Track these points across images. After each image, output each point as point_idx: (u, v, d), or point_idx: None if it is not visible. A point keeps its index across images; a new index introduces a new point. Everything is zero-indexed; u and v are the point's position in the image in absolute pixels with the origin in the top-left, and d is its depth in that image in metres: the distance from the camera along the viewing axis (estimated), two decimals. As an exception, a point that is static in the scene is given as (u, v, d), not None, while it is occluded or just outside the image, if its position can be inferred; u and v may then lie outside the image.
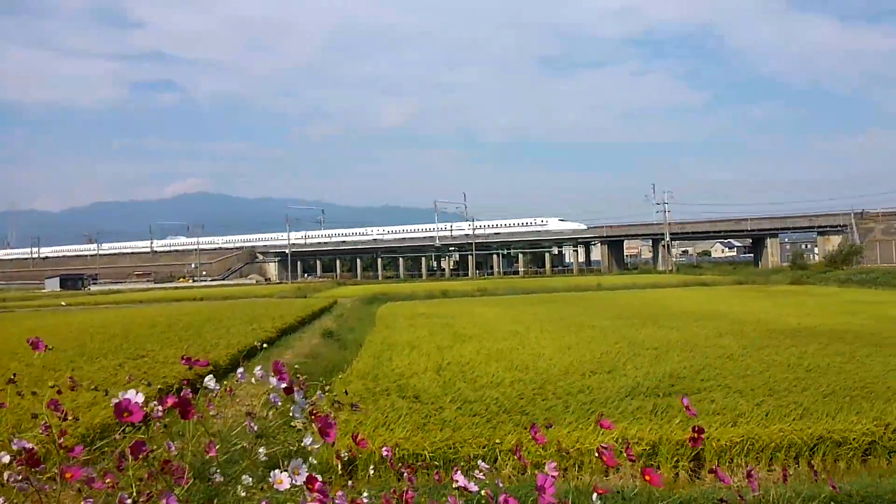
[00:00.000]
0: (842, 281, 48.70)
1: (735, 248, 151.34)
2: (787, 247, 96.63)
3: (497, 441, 8.22)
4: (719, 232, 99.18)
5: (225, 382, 2.62)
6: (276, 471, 2.03)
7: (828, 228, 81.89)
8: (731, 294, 39.64)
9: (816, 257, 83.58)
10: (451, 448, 8.35)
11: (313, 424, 2.20)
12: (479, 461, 2.85)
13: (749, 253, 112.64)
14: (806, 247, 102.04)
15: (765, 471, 8.10)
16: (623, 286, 51.55)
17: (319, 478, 2.02)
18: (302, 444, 2.29)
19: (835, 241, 77.03)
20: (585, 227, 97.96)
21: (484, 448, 8.25)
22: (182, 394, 2.10)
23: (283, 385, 2.24)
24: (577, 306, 31.82)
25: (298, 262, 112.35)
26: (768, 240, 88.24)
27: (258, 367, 2.49)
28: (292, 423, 2.30)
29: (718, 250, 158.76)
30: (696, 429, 2.03)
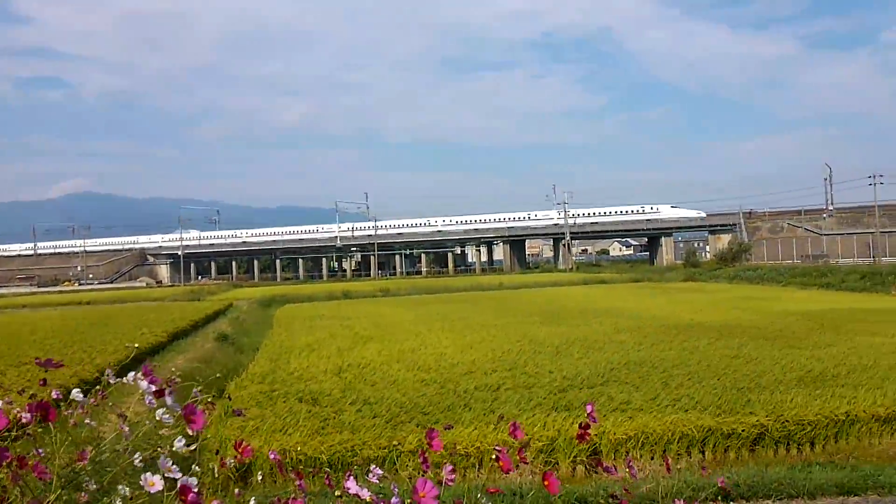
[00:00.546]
0: (731, 278, 51.54)
1: (632, 247, 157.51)
2: (681, 245, 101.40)
3: (396, 443, 8.19)
4: (617, 231, 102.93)
5: (96, 388, 2.47)
6: (148, 473, 1.93)
7: (718, 228, 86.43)
8: (628, 291, 41.20)
9: (708, 255, 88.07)
10: (349, 451, 8.26)
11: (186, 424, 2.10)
12: (373, 465, 2.80)
13: (645, 251, 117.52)
14: (698, 245, 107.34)
15: (658, 463, 8.43)
16: (525, 285, 52.65)
17: (194, 486, 1.92)
18: (173, 448, 2.18)
19: (725, 240, 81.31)
20: (702, 214, 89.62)
21: (384, 450, 8.20)
22: (41, 400, 1.96)
23: (154, 388, 2.14)
24: (479, 305, 32.21)
25: (192, 264, 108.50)
26: (663, 239, 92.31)
27: (133, 373, 2.35)
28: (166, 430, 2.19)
29: (616, 249, 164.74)
30: (583, 425, 2.05)
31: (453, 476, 2.15)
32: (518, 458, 2.11)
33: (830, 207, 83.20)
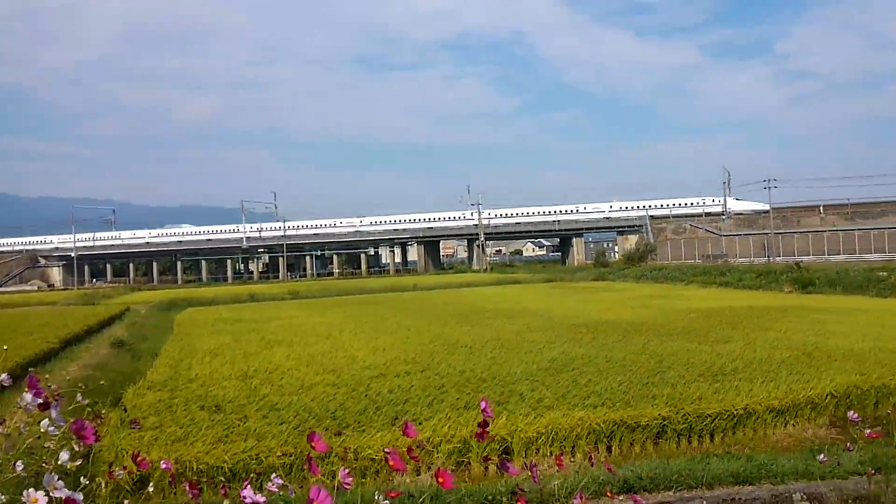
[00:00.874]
0: (638, 277, 53.44)
1: (545, 248, 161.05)
2: (592, 246, 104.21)
3: (300, 450, 8.06)
4: (530, 232, 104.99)
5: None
6: (31, 489, 1.83)
7: (626, 229, 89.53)
8: (540, 291, 42.09)
9: (617, 255, 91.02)
10: (254, 459, 8.06)
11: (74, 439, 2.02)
12: (273, 474, 2.74)
13: (558, 252, 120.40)
14: (608, 245, 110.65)
15: (568, 458, 8.63)
16: (439, 286, 52.93)
17: (80, 501, 1.84)
18: (59, 462, 2.08)
19: (632, 241, 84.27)
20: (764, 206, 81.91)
21: (291, 457, 8.05)
22: None
23: (39, 401, 2.04)
24: (393, 307, 32.16)
25: (86, 267, 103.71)
26: (574, 239, 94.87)
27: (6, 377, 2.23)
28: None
29: (530, 249, 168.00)
30: (481, 423, 2.07)
31: (350, 480, 2.14)
32: (409, 456, 2.11)
33: (730, 209, 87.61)
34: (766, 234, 77.70)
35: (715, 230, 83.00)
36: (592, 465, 4.72)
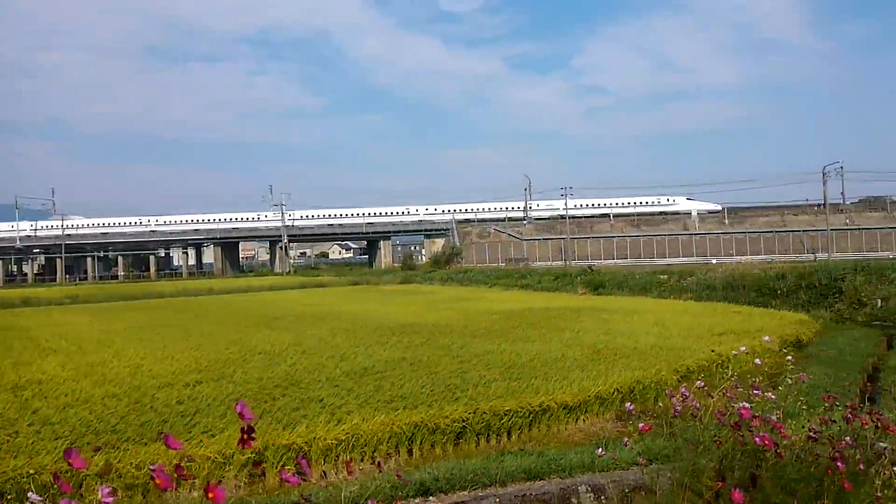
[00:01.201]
0: (444, 279, 55.03)
1: (352, 250, 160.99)
2: (399, 249, 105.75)
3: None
4: (337, 234, 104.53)
5: None
6: None
7: (433, 232, 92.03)
8: (346, 294, 41.99)
9: (424, 258, 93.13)
10: (25, 477, 7.32)
11: None
12: (30, 492, 2.46)
13: (365, 254, 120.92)
14: (415, 249, 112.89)
15: (368, 464, 8.63)
16: (238, 289, 51.19)
17: None
18: None
19: (439, 244, 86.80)
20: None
21: (66, 474, 7.33)
22: None
23: None
24: (185, 312, 30.58)
25: None
26: (382, 242, 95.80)
27: None
28: None
29: (336, 252, 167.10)
30: (245, 430, 1.97)
31: (111, 500, 1.98)
32: (176, 474, 1.97)
33: (531, 215, 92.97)
34: (563, 238, 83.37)
35: (517, 235, 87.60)
36: (381, 472, 4.73)
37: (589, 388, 11.41)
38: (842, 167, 78.84)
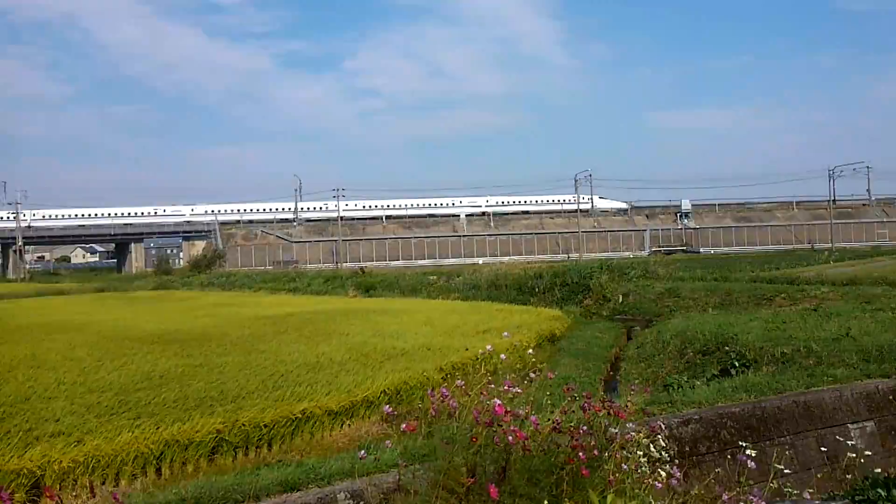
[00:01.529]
0: (204, 285, 52.51)
1: (98, 254, 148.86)
2: (154, 252, 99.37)
3: None
4: (81, 236, 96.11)
5: None
6: None
7: (193, 234, 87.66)
8: (91, 303, 38.67)
9: (182, 262, 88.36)
10: None
11: None
12: None
13: (113, 259, 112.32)
14: (172, 252, 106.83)
15: (111, 486, 7.96)
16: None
17: None
18: None
19: (200, 247, 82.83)
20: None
21: None
22: None
23: None
24: None
25: None
26: (133, 245, 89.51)
27: None
28: None
29: (80, 256, 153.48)
30: None
31: None
32: None
33: (302, 216, 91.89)
34: (335, 240, 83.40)
35: (286, 236, 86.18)
36: (94, 496, 4.34)
37: (356, 392, 11.45)
38: (591, 175, 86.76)
